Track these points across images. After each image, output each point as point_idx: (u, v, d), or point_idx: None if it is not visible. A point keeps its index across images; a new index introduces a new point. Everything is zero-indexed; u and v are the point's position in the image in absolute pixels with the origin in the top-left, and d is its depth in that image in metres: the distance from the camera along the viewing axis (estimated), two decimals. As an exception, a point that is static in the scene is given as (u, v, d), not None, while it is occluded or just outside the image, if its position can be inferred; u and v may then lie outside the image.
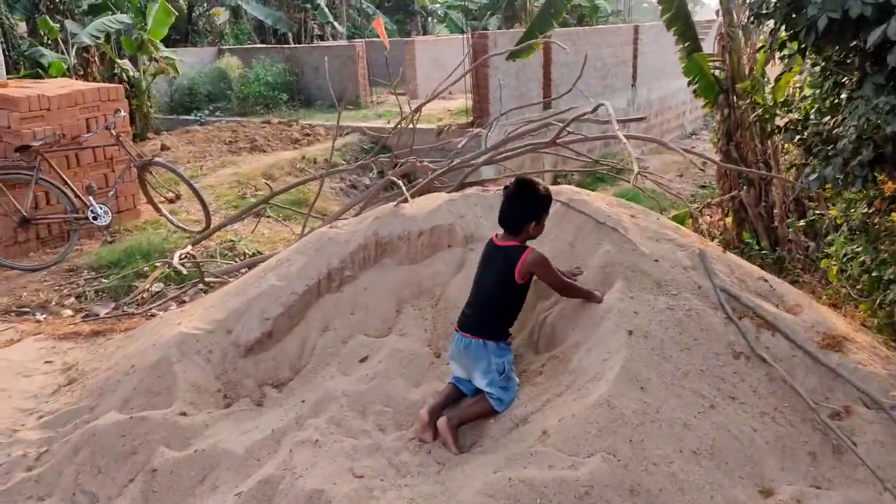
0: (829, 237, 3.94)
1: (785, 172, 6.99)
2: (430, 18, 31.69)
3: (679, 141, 17.32)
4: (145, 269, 5.57)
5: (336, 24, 24.10)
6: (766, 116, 4.87)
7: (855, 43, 2.57)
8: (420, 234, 3.68)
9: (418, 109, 4.74)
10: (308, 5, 22.98)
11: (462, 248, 3.65)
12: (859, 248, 3.78)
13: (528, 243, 2.87)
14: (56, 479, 2.88)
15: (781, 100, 4.38)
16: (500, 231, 2.93)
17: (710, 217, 8.72)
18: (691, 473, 2.34)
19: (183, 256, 5.01)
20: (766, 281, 3.25)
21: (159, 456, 2.82)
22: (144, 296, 5.27)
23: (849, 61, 2.78)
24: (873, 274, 3.72)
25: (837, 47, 2.64)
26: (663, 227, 3.48)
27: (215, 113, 14.57)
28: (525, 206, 2.81)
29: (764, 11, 2.74)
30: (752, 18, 2.86)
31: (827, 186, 3.20)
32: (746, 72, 7.87)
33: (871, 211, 3.66)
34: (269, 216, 7.98)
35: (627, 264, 3.10)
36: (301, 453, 2.71)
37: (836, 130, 3.01)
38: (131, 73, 12.43)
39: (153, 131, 12.46)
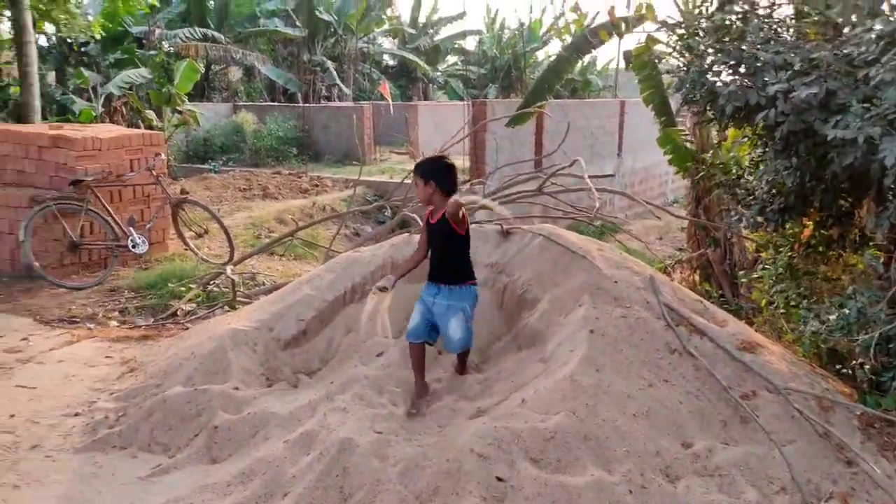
0: (759, 272, 4.80)
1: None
2: (431, 85, 33.41)
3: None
4: (181, 289, 6.36)
5: (343, 86, 25.56)
6: (708, 176, 5.82)
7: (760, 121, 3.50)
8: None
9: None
10: (318, 68, 24.47)
11: (462, 270, 4.48)
12: (784, 286, 4.64)
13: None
14: (134, 434, 3.61)
15: (719, 163, 5.33)
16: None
17: (681, 273, 9.61)
18: (631, 428, 3.12)
19: (231, 273, 5.86)
20: (701, 303, 4.09)
21: (219, 417, 3.57)
22: (179, 312, 6.04)
23: (759, 134, 3.71)
24: (794, 307, 4.58)
25: (746, 124, 3.57)
26: (624, 259, 4.34)
27: (228, 163, 15.58)
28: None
29: (691, 98, 3.71)
30: (683, 103, 3.81)
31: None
32: (715, 143, 8.92)
33: (793, 254, 4.54)
34: (281, 255, 8.83)
35: (593, 283, 3.94)
36: (333, 416, 3.46)
37: (754, 184, 3.93)
38: (155, 123, 13.46)
39: (171, 177, 13.39)
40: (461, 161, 12.86)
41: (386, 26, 31.15)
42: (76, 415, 3.92)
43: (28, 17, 11.09)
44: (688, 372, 3.46)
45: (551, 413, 3.15)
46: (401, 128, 18.63)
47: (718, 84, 3.72)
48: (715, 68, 3.90)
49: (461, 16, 32.13)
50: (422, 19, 31.97)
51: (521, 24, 33.31)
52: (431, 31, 32.00)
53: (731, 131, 8.44)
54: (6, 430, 3.73)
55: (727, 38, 4.03)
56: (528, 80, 31.63)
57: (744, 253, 8.06)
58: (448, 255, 3.66)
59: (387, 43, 32.56)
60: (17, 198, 7.01)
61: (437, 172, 3.63)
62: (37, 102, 11.46)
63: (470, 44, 33.69)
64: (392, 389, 3.76)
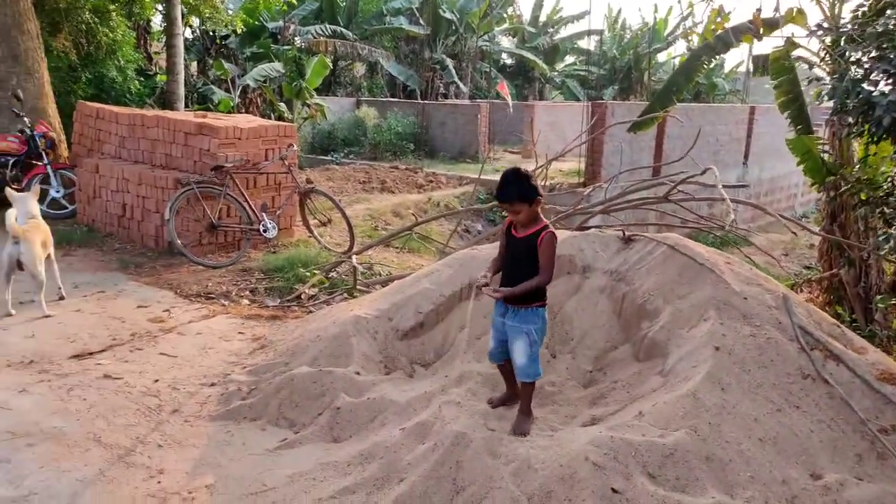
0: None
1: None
2: (547, 85, 33.12)
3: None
4: (306, 274, 6.70)
5: (461, 83, 25.85)
6: (852, 192, 5.43)
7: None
8: (547, 261, 4.52)
9: (549, 163, 5.65)
10: (437, 66, 24.87)
11: (580, 275, 4.46)
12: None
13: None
14: (264, 408, 3.87)
15: (866, 178, 4.96)
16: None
17: (810, 293, 9.04)
18: (756, 453, 3.00)
19: (355, 262, 6.12)
20: (839, 327, 3.85)
21: (341, 399, 3.75)
22: (303, 296, 6.36)
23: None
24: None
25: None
26: (754, 275, 4.16)
27: (349, 156, 16.18)
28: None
29: (843, 109, 3.49)
30: (833, 113, 3.61)
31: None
32: (855, 158, 8.30)
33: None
34: (398, 247, 9.09)
35: (720, 298, 3.81)
36: (448, 409, 3.54)
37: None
38: (286, 115, 14.18)
39: (298, 167, 14.08)
40: (578, 164, 12.72)
41: (506, 25, 31.19)
42: (212, 385, 4.25)
43: (178, 12, 12.01)
44: (821, 400, 3.28)
45: (671, 429, 3.08)
46: (516, 127, 18.61)
47: (875, 94, 3.50)
48: (872, 77, 3.67)
49: (583, 15, 31.64)
50: (542, 18, 31.75)
51: (646, 25, 32.38)
52: (552, 30, 31.73)
53: (881, 145, 7.85)
54: (151, 393, 4.09)
55: (886, 46, 3.77)
56: (649, 82, 30.70)
57: (881, 276, 7.50)
58: (523, 274, 3.30)
59: (505, 41, 32.61)
60: (163, 179, 7.61)
61: (535, 190, 3.24)
62: (181, 91, 12.40)
63: (590, 44, 33.11)
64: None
